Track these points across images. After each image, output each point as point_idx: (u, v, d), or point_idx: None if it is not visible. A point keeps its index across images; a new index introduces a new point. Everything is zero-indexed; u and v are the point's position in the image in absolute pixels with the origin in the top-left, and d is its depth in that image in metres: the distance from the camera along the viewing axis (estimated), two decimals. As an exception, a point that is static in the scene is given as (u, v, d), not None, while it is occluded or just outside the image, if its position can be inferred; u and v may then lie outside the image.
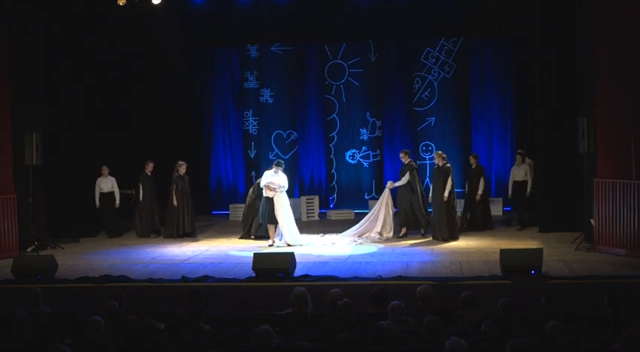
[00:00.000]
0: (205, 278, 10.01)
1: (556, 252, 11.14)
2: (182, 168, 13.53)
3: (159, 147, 15.74)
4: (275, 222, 12.59)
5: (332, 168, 17.00)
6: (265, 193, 12.65)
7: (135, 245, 13.13)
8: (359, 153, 16.80)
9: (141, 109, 15.97)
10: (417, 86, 16.71)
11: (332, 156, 17.05)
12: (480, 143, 16.16)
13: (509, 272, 9.59)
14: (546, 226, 13.01)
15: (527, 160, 13.68)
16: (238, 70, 17.03)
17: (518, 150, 13.42)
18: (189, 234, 13.41)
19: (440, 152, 12.83)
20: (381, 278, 9.69)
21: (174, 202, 13.36)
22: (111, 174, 14.06)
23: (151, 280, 10.00)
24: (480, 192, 12.95)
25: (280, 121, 17.06)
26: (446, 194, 12.45)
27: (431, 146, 16.70)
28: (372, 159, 17.00)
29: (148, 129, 15.95)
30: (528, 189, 13.23)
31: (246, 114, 17.19)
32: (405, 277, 9.79)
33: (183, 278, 10.02)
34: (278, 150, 16.96)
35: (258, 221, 12.84)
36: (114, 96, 15.29)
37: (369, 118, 16.88)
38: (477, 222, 13.30)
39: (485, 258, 10.98)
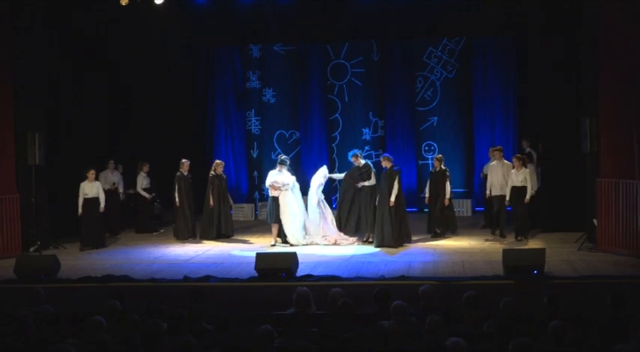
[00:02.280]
0: (207, 278, 10.01)
1: (559, 252, 11.13)
2: (220, 168, 13.29)
3: (161, 147, 15.74)
4: (279, 222, 12.56)
5: (335, 169, 16.95)
6: (270, 193, 12.63)
7: (137, 245, 13.15)
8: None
9: (142, 109, 15.97)
10: (419, 86, 16.69)
11: (334, 155, 17.04)
12: (483, 143, 16.08)
13: (511, 272, 9.57)
14: (549, 226, 12.96)
15: (529, 166, 13.29)
16: (241, 70, 17.04)
17: (517, 155, 12.72)
18: (227, 234, 13.23)
19: (440, 156, 12.82)
20: (383, 278, 9.68)
21: (211, 203, 13.15)
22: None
23: (153, 280, 10.00)
24: (448, 196, 12.49)
25: (283, 121, 17.04)
26: (447, 197, 12.43)
27: (433, 146, 16.71)
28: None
29: (149, 129, 15.94)
30: (527, 196, 12.15)
31: (249, 114, 17.20)
32: (408, 277, 9.78)
33: (186, 278, 10.01)
34: (280, 149, 16.92)
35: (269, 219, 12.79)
36: (116, 96, 15.31)
37: (371, 118, 16.87)
38: (442, 225, 12.79)
39: (487, 258, 10.97)
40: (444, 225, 12.71)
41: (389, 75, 16.65)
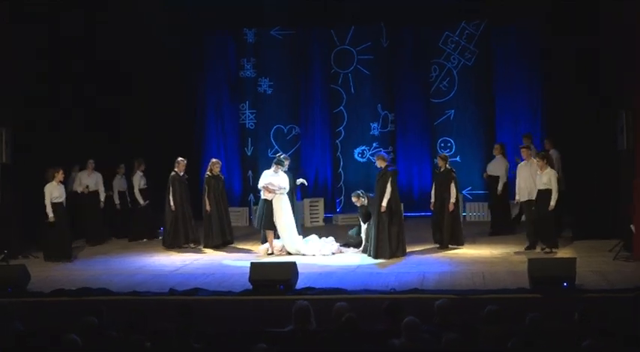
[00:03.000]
0: (196, 290, 9.99)
1: (591, 262, 11.11)
2: (216, 167, 13.23)
3: (145, 143, 15.78)
4: (273, 228, 12.58)
5: (339, 167, 17.01)
6: (263, 195, 12.64)
7: (117, 254, 13.19)
8: (369, 150, 16.77)
9: (125, 103, 16.02)
10: (434, 75, 16.72)
11: (339, 153, 17.05)
12: (506, 139, 16.04)
13: (538, 285, 9.54)
14: (579, 233, 12.99)
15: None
16: (234, 57, 17.07)
17: (539, 153, 12.51)
18: (229, 241, 13.27)
19: (444, 155, 12.79)
20: (394, 291, 9.66)
21: (207, 207, 13.10)
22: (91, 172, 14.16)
23: (135, 293, 9.98)
24: (452, 200, 12.37)
25: (281, 114, 17.07)
26: (452, 200, 12.37)
27: (450, 142, 16.75)
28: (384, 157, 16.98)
29: (133, 124, 16.03)
30: (552, 202, 11.69)
31: (243, 106, 17.21)
32: (421, 290, 9.74)
33: (172, 291, 9.99)
34: (278, 146, 16.97)
35: (256, 225, 12.82)
36: (95, 89, 15.31)
37: (380, 111, 16.88)
38: (448, 239, 12.60)
39: (511, 269, 10.95)
40: (448, 233, 12.61)
41: (400, 63, 16.70)
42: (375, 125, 16.86)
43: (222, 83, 17.08)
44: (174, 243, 13.36)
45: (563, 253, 11.82)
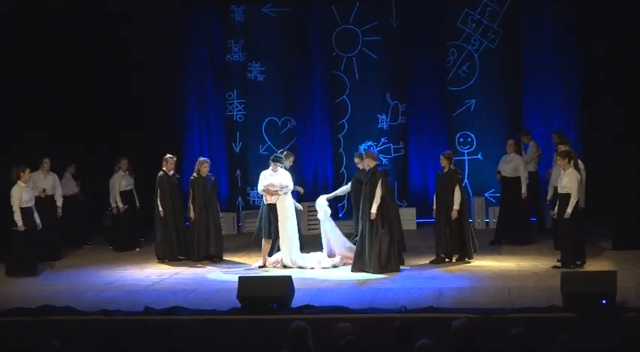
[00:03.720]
0: (176, 309, 9.98)
1: (634, 276, 11.11)
2: (204, 167, 13.21)
3: (115, 139, 15.82)
4: (276, 236, 12.60)
5: (341, 166, 17.02)
6: (265, 200, 12.65)
7: (84, 266, 13.25)
8: (377, 146, 16.81)
9: (91, 91, 16.02)
10: (452, 59, 16.73)
11: (341, 150, 17.07)
12: (536, 134, 15.98)
13: (572, 302, 9.54)
14: (620, 242, 13.01)
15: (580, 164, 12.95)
16: (219, 39, 17.07)
17: (561, 150, 12.36)
18: (215, 255, 13.21)
19: (448, 153, 12.70)
20: (405, 310, 9.68)
21: (191, 214, 13.14)
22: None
23: (104, 312, 9.97)
24: (456, 206, 12.34)
25: (274, 105, 17.08)
26: (455, 207, 12.34)
27: (470, 137, 16.77)
28: (393, 154, 17.01)
29: (101, 116, 16.02)
30: (569, 209, 11.73)
31: (230, 95, 17.22)
32: (437, 308, 9.75)
33: (147, 310, 9.98)
34: (271, 142, 16.97)
35: (258, 235, 12.84)
36: (54, 75, 15.33)
37: (389, 101, 16.89)
38: (454, 250, 12.56)
39: (541, 283, 10.98)
40: (452, 245, 12.54)
41: (412, 45, 16.67)
42: (384, 117, 16.88)
43: (206, 69, 17.05)
44: (169, 255, 13.36)
45: (601, 265, 11.78)
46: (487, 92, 16.69)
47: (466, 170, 16.53)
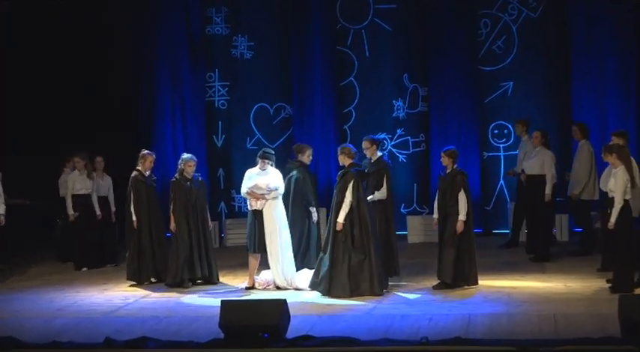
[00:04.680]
0: (144, 340, 9.86)
1: None
2: (190, 167, 12.98)
3: (68, 133, 15.75)
4: (263, 250, 12.48)
5: (347, 163, 17.09)
6: (250, 205, 12.57)
7: (31, 287, 13.20)
8: (391, 139, 16.89)
9: (43, 74, 16.07)
10: (484, 32, 16.79)
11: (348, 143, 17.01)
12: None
13: (632, 332, 9.47)
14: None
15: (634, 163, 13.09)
16: (197, 7, 17.14)
17: (610, 144, 12.26)
18: (208, 278, 13.00)
19: (450, 150, 12.43)
20: (427, 341, 9.53)
21: (172, 225, 12.91)
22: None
23: (55, 344, 9.84)
24: (461, 217, 12.11)
25: (265, 88, 17.15)
26: (461, 217, 12.18)
27: (507, 128, 16.78)
28: (412, 150, 17.04)
29: (52, 105, 16.08)
30: (612, 219, 11.65)
31: (210, 76, 17.28)
32: (466, 340, 9.60)
33: (108, 342, 9.86)
34: (261, 134, 17.01)
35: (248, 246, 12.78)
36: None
37: (407, 84, 16.89)
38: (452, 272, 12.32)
39: (594, 309, 10.89)
40: (450, 264, 12.26)
41: (436, 15, 16.74)
42: (400, 104, 16.91)
43: (181, 43, 17.09)
44: (142, 275, 13.24)
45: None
46: (527, 72, 16.71)
47: (501, 169, 16.56)
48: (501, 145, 16.76)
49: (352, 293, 11.80)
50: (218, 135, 17.27)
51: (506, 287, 12.30)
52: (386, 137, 16.88)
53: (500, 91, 16.81)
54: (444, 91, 16.82)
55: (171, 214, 12.88)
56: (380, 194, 12.26)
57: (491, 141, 16.74)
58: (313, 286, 12.08)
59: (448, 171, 12.24)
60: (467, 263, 12.28)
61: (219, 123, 17.25)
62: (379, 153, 12.56)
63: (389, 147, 16.88)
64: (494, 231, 16.72)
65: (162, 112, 17.18)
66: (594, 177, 14.01)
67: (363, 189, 11.92)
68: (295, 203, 12.74)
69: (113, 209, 14.94)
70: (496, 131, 16.77)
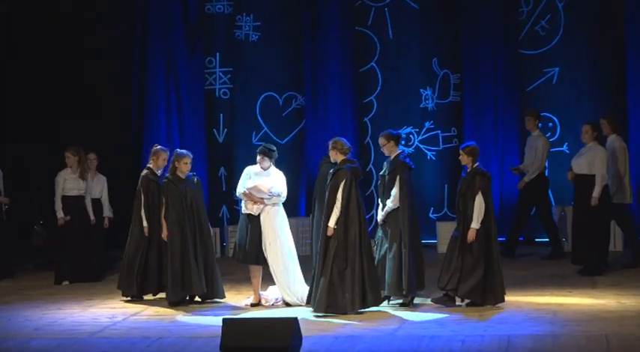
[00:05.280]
0: (134, 365, 9.89)
1: None
2: (185, 164, 12.84)
3: (50, 125, 15.98)
4: (263, 263, 12.46)
5: (369, 162, 17.04)
6: (244, 208, 12.50)
7: (7, 304, 13.22)
8: (419, 133, 16.92)
9: (21, 59, 16.22)
10: (525, 10, 16.79)
11: (368, 139, 17.10)
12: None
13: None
14: None
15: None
16: (196, -19, 17.20)
17: None
18: (210, 295, 12.88)
19: (469, 147, 12.32)
20: (460, 367, 9.51)
21: (164, 234, 12.85)
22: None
23: (31, 369, 9.91)
24: (473, 224, 12.06)
25: (273, 75, 17.20)
26: (473, 225, 12.03)
27: (552, 121, 16.75)
28: (442, 146, 17.03)
29: (31, 94, 16.17)
30: None
31: (211, 61, 17.33)
32: (507, 365, 9.59)
33: (92, 367, 9.91)
34: (269, 128, 17.06)
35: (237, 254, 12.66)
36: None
37: (437, 70, 16.93)
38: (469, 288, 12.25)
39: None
40: (457, 277, 12.15)
41: (469, -11, 16.80)
42: (429, 93, 16.95)
43: (176, 23, 17.12)
44: (179, 294, 12.93)
45: None
46: (576, 57, 16.70)
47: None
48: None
49: (327, 309, 11.78)
50: (219, 129, 17.31)
51: (551, 304, 12.26)
52: (412, 131, 16.92)
53: (544, 79, 16.80)
54: (480, 79, 16.87)
55: (163, 220, 12.78)
56: (391, 202, 11.98)
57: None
58: (308, 300, 12.08)
59: (468, 170, 12.18)
60: (489, 278, 12.15)
61: (221, 115, 17.30)
62: (399, 150, 12.34)
63: (416, 142, 16.87)
64: (537, 240, 16.66)
65: (155, 103, 17.21)
66: (628, 177, 14.16)
67: (358, 189, 11.88)
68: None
69: (108, 214, 15.04)
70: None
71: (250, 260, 12.45)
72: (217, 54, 17.29)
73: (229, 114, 17.26)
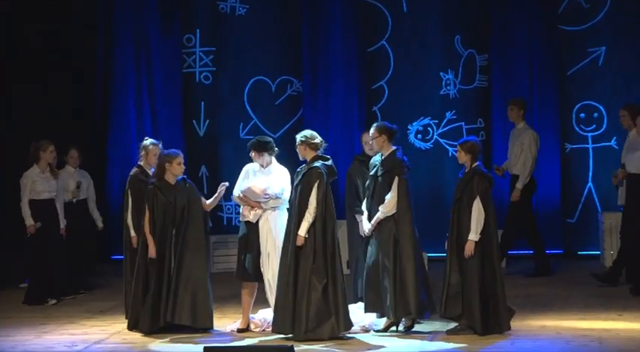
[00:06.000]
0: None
1: None
2: (179, 165, 12.63)
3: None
4: (258, 279, 12.39)
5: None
6: (242, 215, 12.38)
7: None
8: (438, 125, 16.95)
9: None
10: (565, -20, 16.68)
11: (378, 131, 17.01)
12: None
13: None
14: None
15: None
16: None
17: None
18: (193, 322, 12.60)
19: (469, 143, 12.12)
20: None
21: (151, 251, 12.60)
22: None
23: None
24: (471, 236, 11.99)
25: (264, 57, 17.18)
26: (471, 236, 11.87)
27: (598, 110, 16.75)
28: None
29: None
30: None
31: (190, 40, 17.38)
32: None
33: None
34: (259, 119, 17.08)
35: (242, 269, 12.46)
36: None
37: (460, 50, 16.92)
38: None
39: None
40: (455, 298, 11.99)
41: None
42: (450, 77, 16.98)
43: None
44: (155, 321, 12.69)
45: None
46: (626, 34, 16.66)
47: (590, 165, 16.52)
48: (589, 134, 16.65)
49: (307, 332, 11.70)
50: (200, 121, 17.34)
51: (596, 330, 12.17)
52: (431, 123, 16.95)
53: (588, 60, 16.77)
54: (511, 60, 16.91)
55: (148, 235, 12.60)
56: (385, 208, 11.84)
57: (576, 128, 16.69)
58: (280, 328, 11.97)
59: (466, 170, 12.06)
60: (489, 301, 12.03)
61: (202, 104, 17.35)
62: (393, 147, 12.17)
63: (435, 136, 16.86)
64: (579, 253, 16.67)
65: (123, 88, 17.28)
66: None
67: (329, 191, 11.81)
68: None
69: (99, 225, 15.22)
70: (582, 114, 16.69)
71: (248, 276, 12.34)
72: (197, 31, 17.33)
73: (212, 102, 17.30)
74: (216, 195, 12.59)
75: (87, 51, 17.21)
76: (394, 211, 11.73)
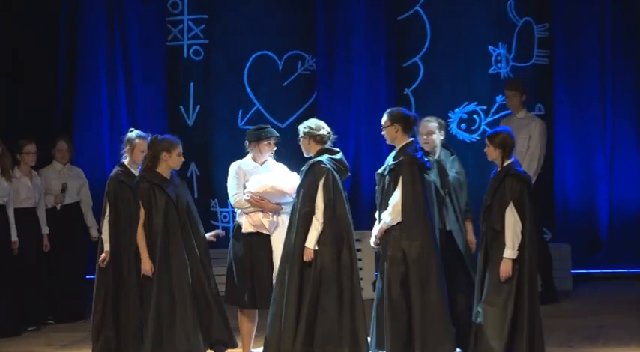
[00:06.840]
0: None
1: None
2: (179, 156, 12.47)
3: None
4: (262, 305, 12.41)
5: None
6: (245, 224, 12.32)
7: None
8: (486, 112, 17.02)
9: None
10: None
11: (411, 118, 16.81)
12: None
13: None
14: None
15: None
16: None
17: None
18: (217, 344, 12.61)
19: (500, 136, 11.99)
20: None
21: (147, 267, 12.35)
22: None
23: None
24: (505, 253, 11.75)
25: (267, 27, 17.37)
26: (506, 254, 11.63)
27: None
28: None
29: None
30: None
31: (176, 5, 17.44)
32: None
33: None
34: (261, 104, 17.07)
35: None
36: None
37: (513, 18, 16.86)
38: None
39: None
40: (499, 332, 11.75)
41: None
42: (502, 52, 16.95)
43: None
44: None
45: None
46: None
47: None
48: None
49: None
50: (189, 106, 17.31)
51: None
52: (477, 109, 16.92)
53: None
54: (577, 32, 16.84)
55: (143, 246, 12.25)
56: (388, 215, 11.64)
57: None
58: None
59: (498, 170, 11.83)
60: (525, 331, 11.70)
61: (191, 85, 17.39)
62: (410, 139, 11.93)
63: (482, 126, 16.78)
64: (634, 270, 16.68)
65: (93, 67, 17.22)
66: None
67: (343, 190, 11.71)
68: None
69: (93, 234, 15.41)
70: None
71: (257, 302, 12.29)
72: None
73: (204, 83, 17.30)
74: (211, 235, 12.59)
75: (48, 19, 17.22)
76: (399, 219, 11.44)
